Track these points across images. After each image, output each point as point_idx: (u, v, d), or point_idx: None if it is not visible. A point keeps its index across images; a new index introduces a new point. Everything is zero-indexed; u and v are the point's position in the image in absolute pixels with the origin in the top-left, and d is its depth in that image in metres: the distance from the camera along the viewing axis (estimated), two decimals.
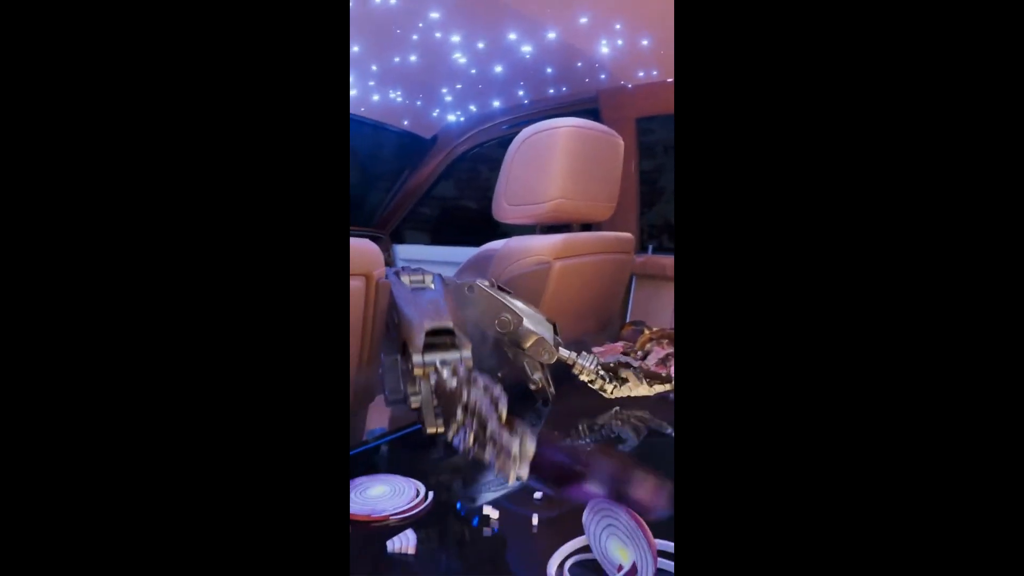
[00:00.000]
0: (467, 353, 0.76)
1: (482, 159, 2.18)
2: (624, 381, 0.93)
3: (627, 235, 1.40)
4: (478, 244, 1.29)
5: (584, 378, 0.94)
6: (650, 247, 1.77)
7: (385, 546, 0.55)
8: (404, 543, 0.55)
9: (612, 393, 0.93)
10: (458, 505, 0.66)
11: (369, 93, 1.81)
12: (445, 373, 0.68)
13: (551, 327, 0.92)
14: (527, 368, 0.92)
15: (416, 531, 0.57)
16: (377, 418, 1.11)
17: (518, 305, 0.92)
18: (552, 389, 0.93)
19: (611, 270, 1.36)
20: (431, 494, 0.64)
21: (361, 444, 0.85)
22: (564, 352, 0.92)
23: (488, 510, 0.62)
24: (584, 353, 0.94)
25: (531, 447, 0.57)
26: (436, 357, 0.73)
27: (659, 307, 1.58)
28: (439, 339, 0.76)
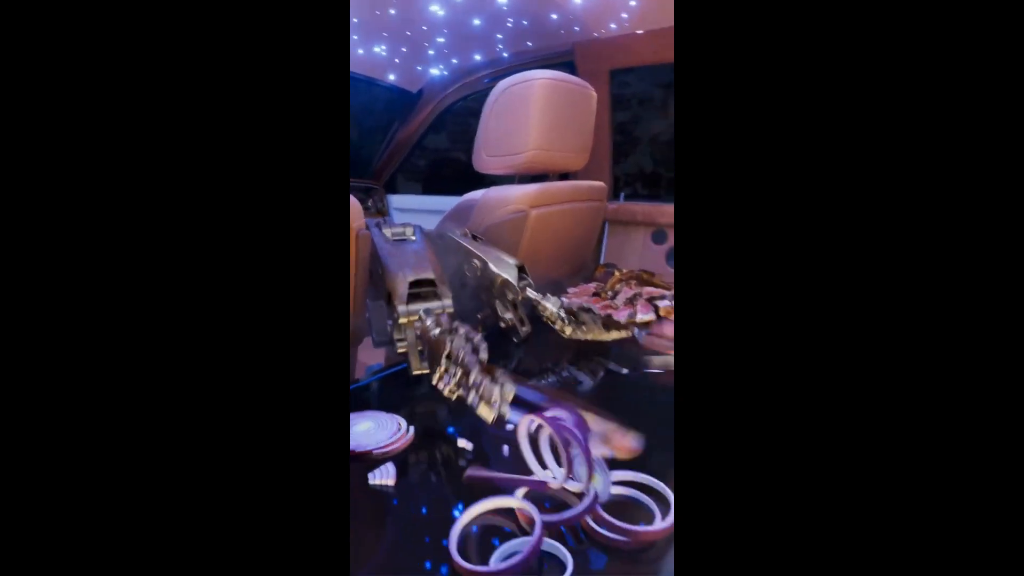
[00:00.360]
0: (448, 302, 0.80)
1: (468, 111, 2.17)
2: (581, 324, 0.97)
3: (600, 184, 1.43)
4: (466, 192, 1.31)
5: (545, 317, 0.99)
6: (622, 195, 1.79)
7: (367, 478, 0.59)
8: (384, 475, 0.59)
9: (569, 334, 0.98)
10: (437, 436, 0.70)
11: (354, 47, 1.79)
12: (428, 321, 0.72)
13: (516, 269, 0.96)
14: (499, 308, 0.97)
15: (396, 463, 0.60)
16: (372, 357, 1.16)
17: (485, 250, 0.96)
18: (528, 327, 0.97)
19: (585, 217, 1.40)
20: (411, 428, 0.67)
21: (352, 382, 0.89)
22: (531, 293, 0.97)
23: (462, 443, 0.66)
24: (549, 296, 0.98)
25: (510, 390, 0.62)
26: (419, 306, 0.78)
27: (630, 251, 1.62)
28: (421, 289, 0.80)
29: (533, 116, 1.17)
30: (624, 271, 1.22)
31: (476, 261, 0.97)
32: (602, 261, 1.64)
